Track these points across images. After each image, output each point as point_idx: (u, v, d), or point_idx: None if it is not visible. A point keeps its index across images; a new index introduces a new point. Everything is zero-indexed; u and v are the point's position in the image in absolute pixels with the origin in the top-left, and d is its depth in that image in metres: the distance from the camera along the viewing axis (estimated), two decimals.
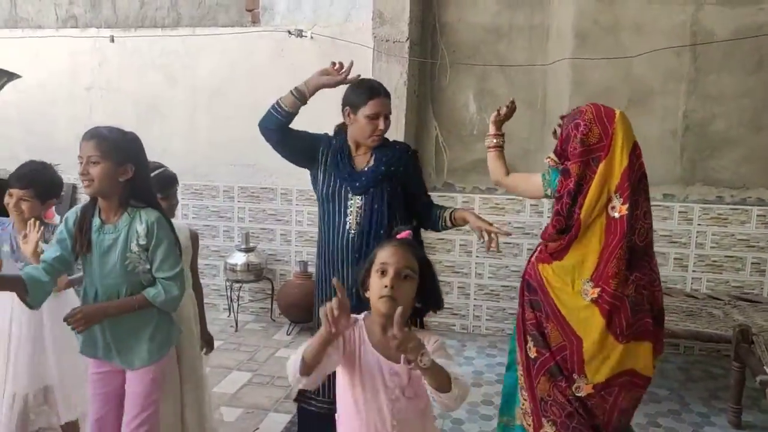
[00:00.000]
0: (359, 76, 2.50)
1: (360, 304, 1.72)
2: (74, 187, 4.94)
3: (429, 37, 4.43)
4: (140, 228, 2.00)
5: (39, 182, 2.43)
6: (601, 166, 2.24)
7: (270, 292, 4.73)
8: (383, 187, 2.43)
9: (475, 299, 4.48)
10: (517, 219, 4.34)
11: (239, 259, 4.52)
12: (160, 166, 2.48)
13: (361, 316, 1.69)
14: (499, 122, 2.59)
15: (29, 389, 2.44)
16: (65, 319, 1.98)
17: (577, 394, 2.28)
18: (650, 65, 4.11)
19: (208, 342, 2.68)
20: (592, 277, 2.25)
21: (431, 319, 4.37)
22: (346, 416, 1.65)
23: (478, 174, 4.31)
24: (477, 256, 4.44)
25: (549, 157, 2.45)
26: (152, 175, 2.24)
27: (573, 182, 2.25)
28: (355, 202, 2.44)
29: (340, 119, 2.58)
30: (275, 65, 4.62)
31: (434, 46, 4.43)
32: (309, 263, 4.49)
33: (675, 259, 4.14)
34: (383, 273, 1.58)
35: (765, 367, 2.74)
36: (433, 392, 1.51)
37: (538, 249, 2.43)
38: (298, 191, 4.59)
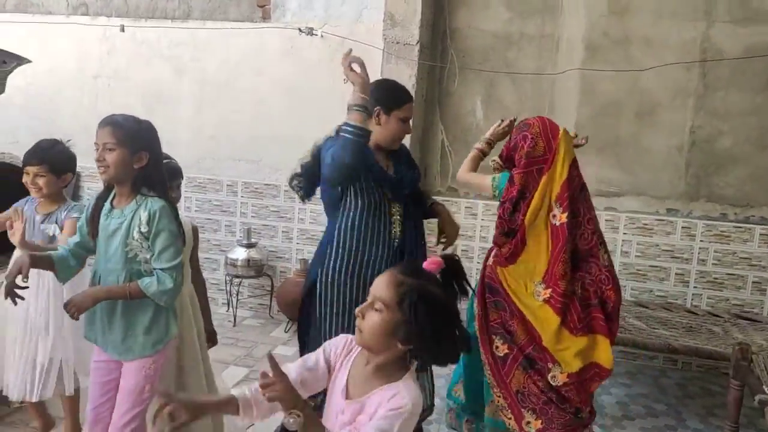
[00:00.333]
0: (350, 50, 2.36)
1: None
2: (78, 175, 4.92)
3: (439, 42, 4.43)
4: (143, 215, 2.00)
5: (52, 157, 2.51)
6: (544, 177, 2.48)
7: (269, 288, 4.72)
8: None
9: None
10: None
11: (240, 254, 4.51)
12: (167, 157, 2.47)
13: None
14: (498, 135, 2.79)
15: (60, 356, 2.55)
16: (64, 307, 2.01)
17: (553, 384, 2.46)
18: (659, 80, 4.11)
19: (210, 335, 2.66)
20: (543, 279, 2.48)
21: None
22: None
23: None
24: (478, 262, 4.43)
25: (494, 160, 2.72)
26: None
27: (516, 190, 2.48)
28: (397, 210, 2.42)
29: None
30: (283, 62, 4.62)
31: (444, 51, 4.43)
32: (308, 261, 4.48)
33: (676, 274, 4.13)
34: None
35: (764, 387, 2.73)
36: None
37: (493, 252, 2.61)
38: None
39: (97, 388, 2.13)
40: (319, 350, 1.56)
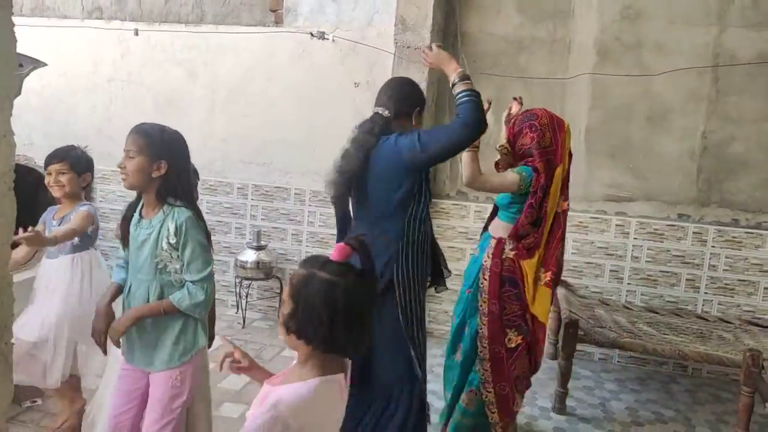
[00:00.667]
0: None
1: None
2: None
3: (450, 46, 4.44)
4: (171, 227, 1.99)
5: (72, 156, 2.62)
6: (558, 168, 2.67)
7: (279, 291, 4.74)
8: None
9: None
10: None
11: (250, 256, 4.53)
12: None
13: None
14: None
15: (80, 339, 2.62)
16: (106, 334, 2.06)
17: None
18: (671, 84, 4.10)
19: (210, 339, 2.68)
20: (543, 264, 2.70)
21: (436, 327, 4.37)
22: None
23: None
24: None
25: (502, 145, 2.80)
26: None
27: (543, 178, 2.62)
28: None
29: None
30: (295, 66, 4.65)
31: (455, 55, 4.39)
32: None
33: (687, 280, 4.11)
34: None
35: None
36: None
37: (510, 246, 2.67)
38: (312, 192, 4.61)
39: (121, 395, 2.11)
40: None
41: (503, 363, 2.66)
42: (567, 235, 4.14)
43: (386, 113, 2.41)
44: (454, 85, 2.37)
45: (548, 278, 2.67)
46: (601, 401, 3.66)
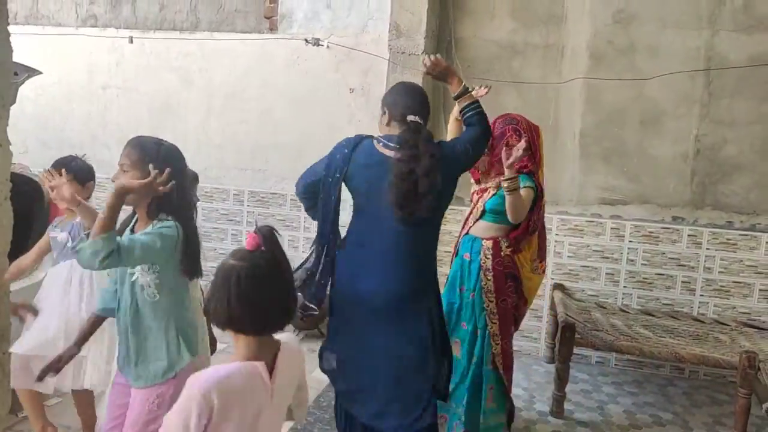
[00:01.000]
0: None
1: None
2: None
3: (444, 51, 4.45)
4: None
5: (74, 167, 2.58)
6: (543, 170, 2.97)
7: None
8: None
9: None
10: None
11: None
12: None
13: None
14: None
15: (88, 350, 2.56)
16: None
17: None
18: (663, 88, 4.12)
19: (211, 341, 2.68)
20: (537, 255, 2.97)
21: None
22: None
23: None
24: None
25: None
26: None
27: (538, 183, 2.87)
28: None
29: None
30: (290, 73, 4.66)
31: (449, 60, 4.45)
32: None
33: (683, 282, 4.12)
34: None
35: None
36: None
37: (506, 244, 2.84)
38: None
39: (111, 409, 2.06)
40: None
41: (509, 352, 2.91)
42: (562, 238, 4.23)
43: (420, 120, 2.29)
44: (459, 96, 2.41)
45: (543, 267, 3.02)
46: (599, 404, 3.66)
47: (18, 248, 2.42)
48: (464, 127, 2.47)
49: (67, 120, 5.08)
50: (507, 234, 2.86)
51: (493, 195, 2.84)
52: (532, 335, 4.34)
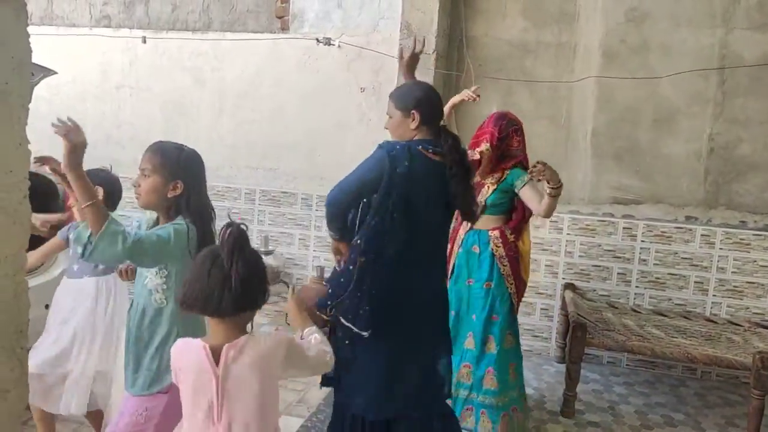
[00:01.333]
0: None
1: None
2: None
3: (455, 50, 4.45)
4: None
5: (108, 183, 2.54)
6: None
7: (286, 295, 4.75)
8: None
9: None
10: (536, 234, 4.32)
11: None
12: None
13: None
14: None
15: (103, 368, 2.54)
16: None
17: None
18: (677, 86, 4.10)
19: None
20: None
21: None
22: None
23: None
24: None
25: (482, 151, 3.02)
26: None
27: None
28: None
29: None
30: (301, 72, 4.68)
31: (460, 60, 4.46)
32: (326, 268, 4.51)
33: (695, 282, 4.09)
34: None
35: None
36: None
37: (509, 232, 3.01)
38: (318, 197, 4.62)
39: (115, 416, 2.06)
40: None
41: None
42: (574, 238, 4.25)
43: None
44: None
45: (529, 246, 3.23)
46: (610, 405, 3.65)
47: (32, 247, 2.45)
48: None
49: (80, 120, 4.99)
50: (506, 223, 3.05)
51: (493, 191, 3.01)
52: (543, 335, 4.33)
